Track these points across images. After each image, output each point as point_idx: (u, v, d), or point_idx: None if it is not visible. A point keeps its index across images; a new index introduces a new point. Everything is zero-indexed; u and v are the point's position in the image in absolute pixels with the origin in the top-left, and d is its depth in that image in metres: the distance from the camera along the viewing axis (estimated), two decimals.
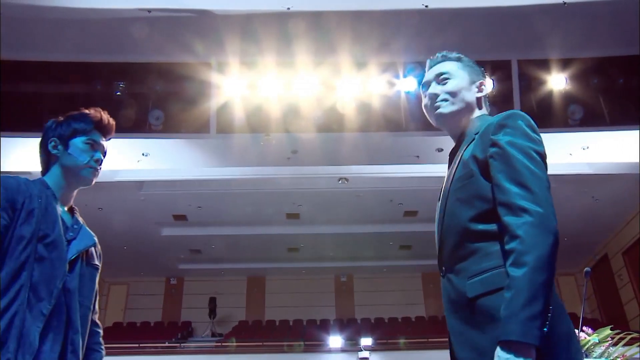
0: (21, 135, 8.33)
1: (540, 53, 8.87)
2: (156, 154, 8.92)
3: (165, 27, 8.41)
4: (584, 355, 3.16)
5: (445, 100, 1.86)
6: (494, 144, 1.61)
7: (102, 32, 8.47)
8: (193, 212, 12.56)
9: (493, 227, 1.58)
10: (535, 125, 1.66)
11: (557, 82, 8.82)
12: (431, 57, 2.01)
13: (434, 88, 1.90)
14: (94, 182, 2.12)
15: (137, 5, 8.09)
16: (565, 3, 7.95)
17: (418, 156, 8.90)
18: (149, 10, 8.15)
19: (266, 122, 8.76)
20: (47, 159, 2.09)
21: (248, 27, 8.42)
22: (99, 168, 2.11)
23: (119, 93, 8.56)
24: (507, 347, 1.37)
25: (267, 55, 8.71)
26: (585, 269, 3.56)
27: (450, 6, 8.18)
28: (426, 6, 8.12)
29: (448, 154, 1.91)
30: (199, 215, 12.61)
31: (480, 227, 1.60)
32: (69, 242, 1.96)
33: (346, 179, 11.01)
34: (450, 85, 1.87)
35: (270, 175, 10.17)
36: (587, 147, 8.72)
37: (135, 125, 8.63)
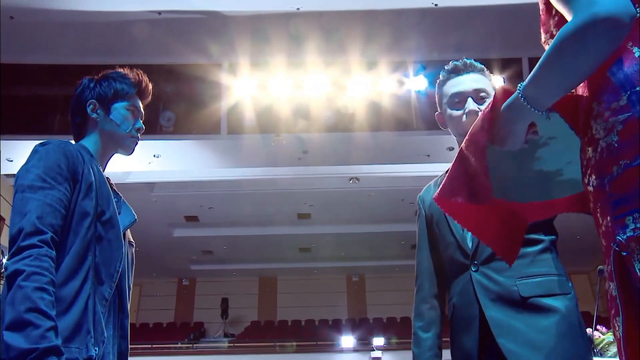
0: (31, 139, 8.41)
1: None
2: (167, 155, 8.96)
3: (175, 28, 8.44)
4: (599, 355, 3.15)
5: None
6: None
7: (112, 34, 8.51)
8: (204, 213, 12.60)
9: (541, 236, 1.72)
10: None
11: None
12: (458, 60, 1.89)
13: (474, 106, 1.78)
14: (132, 152, 1.95)
15: (147, 8, 8.13)
16: None
17: (429, 155, 8.88)
18: (159, 12, 8.19)
19: (277, 122, 8.77)
20: (84, 122, 1.88)
21: (258, 27, 8.43)
22: (139, 137, 1.95)
23: None
24: None
25: (277, 55, 8.72)
26: (599, 267, 3.54)
27: (459, 4, 8.15)
28: (436, 5, 8.09)
29: None
30: (211, 216, 12.66)
31: (531, 235, 1.70)
32: None
33: (357, 179, 11.00)
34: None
35: (281, 175, 10.19)
36: None
37: (146, 126, 8.56)
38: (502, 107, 1.22)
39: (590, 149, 1.06)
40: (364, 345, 11.63)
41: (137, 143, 1.96)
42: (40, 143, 1.71)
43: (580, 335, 1.60)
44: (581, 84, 1.14)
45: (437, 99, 1.93)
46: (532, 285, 1.64)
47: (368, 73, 8.80)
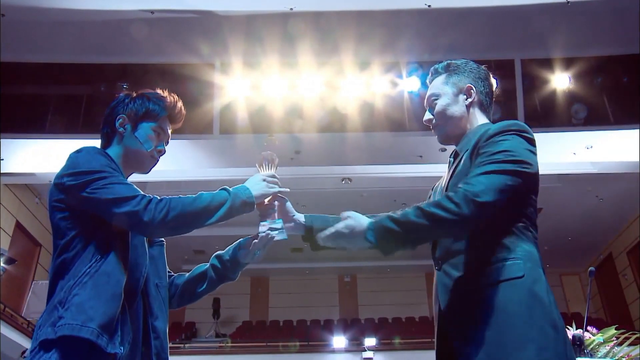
0: (22, 137, 8.37)
1: (544, 52, 8.85)
2: None
3: (169, 28, 8.42)
4: (589, 355, 3.16)
5: (437, 125, 1.94)
6: (482, 148, 1.72)
7: (105, 33, 8.48)
8: None
9: (489, 224, 1.64)
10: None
11: (560, 81, 8.80)
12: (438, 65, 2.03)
13: (427, 114, 1.97)
14: (149, 171, 2.04)
15: (140, 7, 8.10)
16: (568, 2, 7.93)
17: (421, 156, 8.89)
18: (152, 12, 8.16)
19: (269, 122, 8.76)
20: (110, 134, 1.95)
21: (251, 27, 8.42)
22: (158, 159, 2.03)
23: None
24: None
25: (270, 55, 8.71)
26: (590, 268, 3.56)
27: (452, 6, 8.17)
28: (429, 6, 8.11)
29: (449, 156, 1.96)
30: None
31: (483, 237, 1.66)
32: None
33: (350, 179, 11.00)
34: (437, 107, 1.93)
35: None
36: (591, 146, 8.69)
37: None
38: None
39: None
40: (356, 345, 11.63)
41: (155, 164, 2.03)
42: (77, 150, 1.80)
43: (526, 324, 1.50)
44: None
45: None
46: (482, 276, 1.61)
47: (361, 73, 8.80)
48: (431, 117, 1.95)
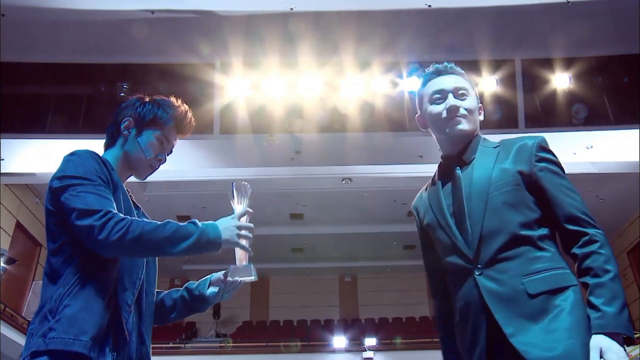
0: (23, 137, 8.37)
1: (544, 52, 8.84)
2: None
3: (169, 28, 8.42)
4: None
5: (465, 117, 1.88)
6: (542, 160, 1.79)
7: (105, 33, 8.48)
8: (197, 213, 12.55)
9: (538, 232, 1.72)
10: None
11: (561, 81, 8.80)
12: (439, 63, 1.97)
13: (455, 101, 1.88)
14: (145, 179, 2.02)
15: (140, 7, 8.10)
16: (568, 2, 7.93)
17: (422, 156, 8.88)
18: (152, 12, 8.16)
19: (270, 122, 8.76)
20: (115, 134, 1.95)
21: (251, 27, 8.42)
22: (157, 168, 2.02)
23: (122, 94, 8.56)
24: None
25: (270, 55, 8.71)
26: None
27: (453, 5, 8.17)
28: (429, 6, 8.11)
29: (453, 165, 1.94)
30: (203, 216, 12.47)
31: (527, 232, 1.72)
32: None
33: (350, 179, 11.00)
34: (469, 104, 1.90)
35: (274, 175, 10.17)
36: (591, 146, 8.69)
37: None
38: None
39: None
40: (356, 345, 11.64)
41: (151, 173, 2.03)
42: (70, 153, 1.78)
43: (587, 330, 1.58)
44: None
45: (417, 101, 2.00)
46: (538, 282, 1.64)
47: (361, 73, 8.80)
48: (459, 106, 1.88)
